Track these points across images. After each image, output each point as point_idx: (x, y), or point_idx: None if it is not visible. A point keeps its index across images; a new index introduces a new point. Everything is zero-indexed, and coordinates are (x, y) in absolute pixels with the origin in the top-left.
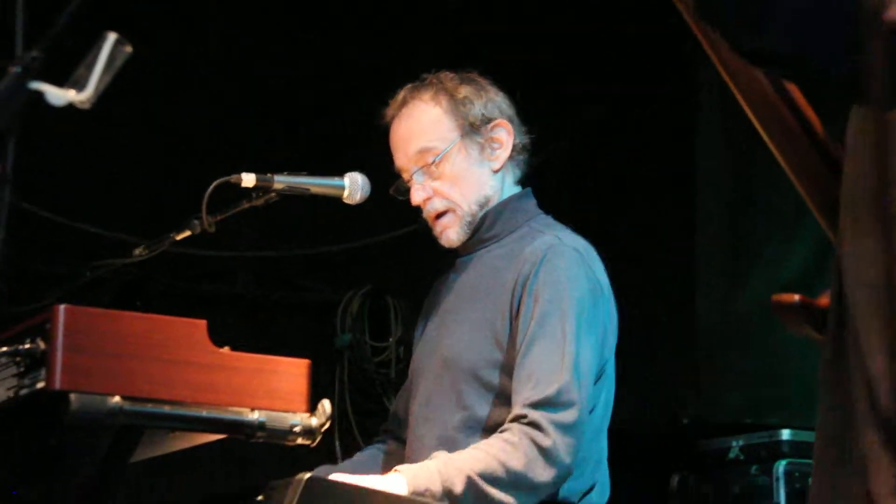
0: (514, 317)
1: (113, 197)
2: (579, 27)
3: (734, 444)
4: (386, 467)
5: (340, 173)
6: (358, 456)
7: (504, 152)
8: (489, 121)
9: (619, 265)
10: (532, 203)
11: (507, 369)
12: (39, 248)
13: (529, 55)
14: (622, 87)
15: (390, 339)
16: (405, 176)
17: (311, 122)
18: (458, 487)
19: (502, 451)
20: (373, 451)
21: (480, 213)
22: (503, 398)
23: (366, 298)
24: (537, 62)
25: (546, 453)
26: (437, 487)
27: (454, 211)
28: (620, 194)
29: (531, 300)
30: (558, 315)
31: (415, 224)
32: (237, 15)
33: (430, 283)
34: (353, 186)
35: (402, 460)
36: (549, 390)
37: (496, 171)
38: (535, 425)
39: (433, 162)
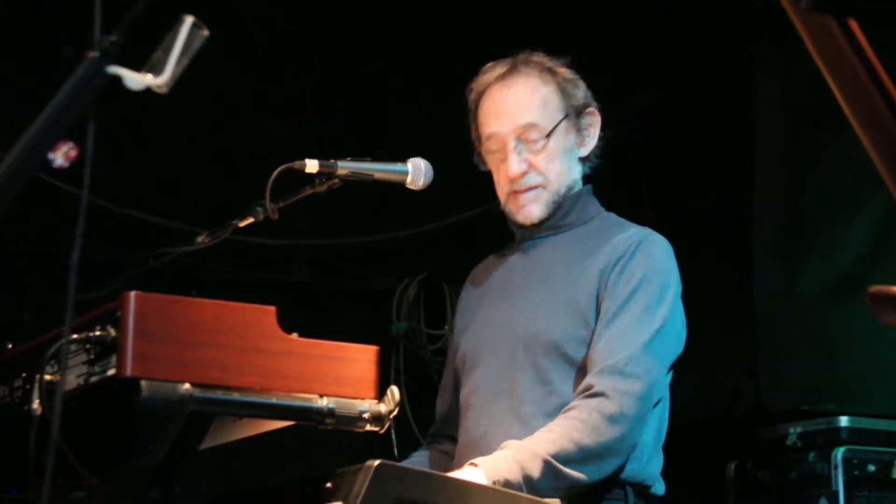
0: (604, 295)
1: (174, 187)
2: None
3: (792, 431)
4: (446, 467)
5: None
6: (410, 462)
7: (593, 141)
8: (587, 107)
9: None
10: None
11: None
12: (99, 236)
13: (575, 40)
14: (675, 71)
15: (446, 327)
16: (493, 144)
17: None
18: (537, 473)
19: (574, 429)
20: (421, 460)
21: (562, 198)
22: (585, 373)
23: (421, 286)
24: (583, 47)
25: (613, 419)
26: (516, 476)
27: (545, 187)
28: (675, 180)
29: (623, 279)
30: (649, 293)
31: (470, 211)
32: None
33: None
34: (416, 172)
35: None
36: (618, 357)
37: (581, 159)
38: (601, 395)
39: (538, 138)
